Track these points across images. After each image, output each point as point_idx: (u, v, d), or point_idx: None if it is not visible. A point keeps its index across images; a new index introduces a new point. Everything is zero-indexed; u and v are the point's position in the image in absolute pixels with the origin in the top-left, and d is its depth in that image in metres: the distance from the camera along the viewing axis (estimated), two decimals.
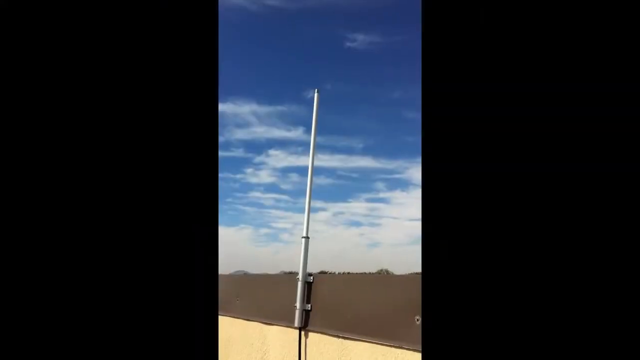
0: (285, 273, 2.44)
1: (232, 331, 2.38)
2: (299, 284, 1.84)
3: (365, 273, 1.67)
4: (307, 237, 1.91)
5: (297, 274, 1.88)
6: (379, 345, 1.45)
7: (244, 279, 2.43)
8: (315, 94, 2.11)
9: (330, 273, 2.35)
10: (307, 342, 1.79)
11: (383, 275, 1.53)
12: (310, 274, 1.86)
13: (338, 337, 1.63)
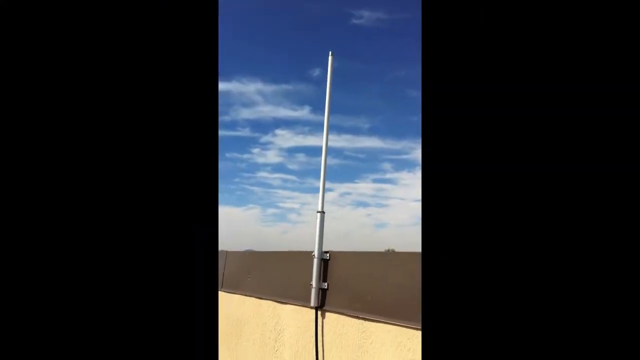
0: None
1: (243, 309, 2.30)
2: (315, 262, 1.73)
3: (385, 251, 1.55)
4: (322, 212, 1.79)
5: (309, 251, 1.77)
6: (402, 328, 1.34)
7: (256, 256, 2.33)
8: (330, 58, 1.95)
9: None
10: (324, 323, 1.69)
11: (407, 253, 1.41)
12: (326, 252, 1.75)
13: (358, 318, 1.53)
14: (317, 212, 1.79)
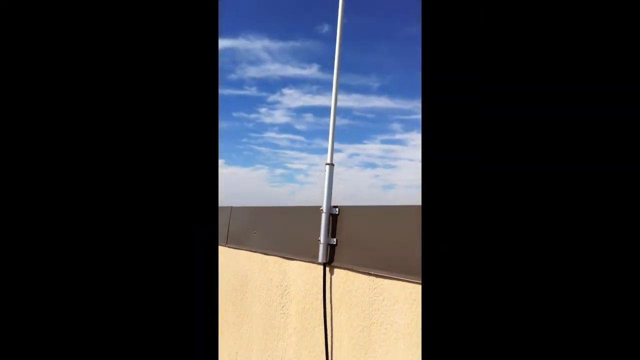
0: None
1: (249, 265, 2.24)
2: (323, 216, 1.63)
3: (398, 205, 1.45)
4: (331, 164, 1.68)
5: (317, 206, 1.67)
6: (417, 285, 1.25)
7: (262, 211, 2.25)
8: None
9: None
10: (333, 279, 1.62)
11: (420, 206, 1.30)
12: (335, 206, 1.65)
13: (369, 274, 1.45)
14: (326, 164, 1.68)
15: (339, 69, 1.77)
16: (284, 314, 1.89)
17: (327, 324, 1.60)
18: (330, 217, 1.65)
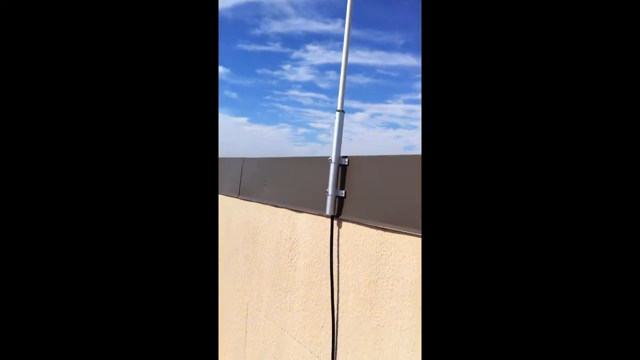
0: None
1: (260, 217, 2.20)
2: (332, 167, 1.54)
3: (411, 155, 1.33)
4: (342, 111, 1.56)
5: (326, 157, 1.57)
6: None
7: (272, 162, 2.17)
8: None
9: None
10: (340, 233, 1.55)
11: None
12: (345, 157, 1.55)
13: (377, 228, 1.37)
14: (337, 111, 1.56)
15: (352, 9, 1.61)
16: (292, 266, 1.86)
17: (333, 278, 1.55)
18: (339, 168, 1.55)
